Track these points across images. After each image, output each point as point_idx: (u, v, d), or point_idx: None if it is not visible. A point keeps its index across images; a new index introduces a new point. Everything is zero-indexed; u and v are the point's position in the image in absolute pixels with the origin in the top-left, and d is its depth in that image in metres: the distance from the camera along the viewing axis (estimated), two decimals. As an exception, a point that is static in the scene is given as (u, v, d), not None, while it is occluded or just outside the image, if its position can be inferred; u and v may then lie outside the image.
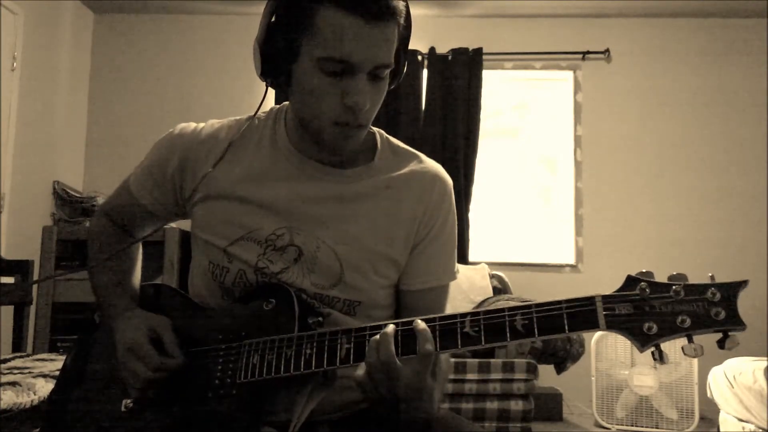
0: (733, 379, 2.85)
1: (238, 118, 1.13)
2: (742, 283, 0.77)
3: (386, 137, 1.14)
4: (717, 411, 3.09)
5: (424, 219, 1.08)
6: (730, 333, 0.76)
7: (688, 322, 0.77)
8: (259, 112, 1.12)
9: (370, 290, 1.06)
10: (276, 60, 0.97)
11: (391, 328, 0.86)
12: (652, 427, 3.42)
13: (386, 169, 1.09)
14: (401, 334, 0.87)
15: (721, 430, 3.03)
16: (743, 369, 2.82)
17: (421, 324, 0.86)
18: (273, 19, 0.96)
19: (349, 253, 1.04)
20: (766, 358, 2.81)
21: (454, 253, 1.13)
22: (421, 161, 1.12)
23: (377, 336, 0.86)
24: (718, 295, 0.77)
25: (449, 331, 0.86)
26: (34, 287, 2.92)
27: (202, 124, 1.12)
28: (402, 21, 0.96)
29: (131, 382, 1.01)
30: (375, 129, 1.12)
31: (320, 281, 1.04)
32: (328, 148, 1.02)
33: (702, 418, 3.41)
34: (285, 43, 0.95)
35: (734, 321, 0.76)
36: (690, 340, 0.78)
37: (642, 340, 0.78)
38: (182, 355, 1.00)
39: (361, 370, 0.88)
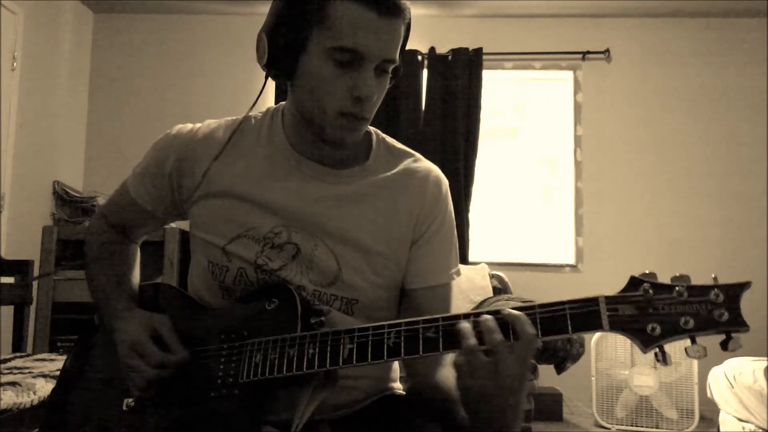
0: (733, 379, 2.85)
1: (234, 117, 1.13)
2: (745, 285, 0.77)
3: (382, 137, 1.14)
4: (717, 411, 3.09)
5: (420, 217, 1.08)
6: (733, 334, 0.76)
7: (692, 323, 0.77)
8: (255, 112, 1.12)
9: (368, 290, 1.06)
10: (283, 51, 0.97)
11: (489, 317, 0.83)
12: (652, 427, 3.42)
13: (381, 168, 1.09)
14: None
15: (721, 430, 3.03)
16: (743, 369, 2.82)
17: (514, 311, 0.83)
18: (283, 10, 0.97)
19: (346, 252, 1.04)
20: (766, 358, 2.82)
21: (452, 252, 1.12)
22: (416, 160, 1.13)
23: (464, 324, 0.83)
24: (722, 297, 0.77)
25: (450, 332, 0.85)
26: (34, 287, 2.92)
27: (198, 125, 1.13)
28: (407, 20, 0.98)
29: (134, 381, 1.01)
30: (371, 129, 1.12)
31: (318, 279, 1.04)
32: (330, 141, 1.01)
33: (702, 418, 3.42)
34: (294, 33, 0.95)
35: (737, 322, 0.76)
36: (693, 342, 0.78)
37: (645, 341, 0.78)
38: (183, 350, 1.00)
39: (459, 357, 0.83)
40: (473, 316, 0.85)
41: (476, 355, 0.81)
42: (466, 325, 0.83)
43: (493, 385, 0.81)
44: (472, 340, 0.82)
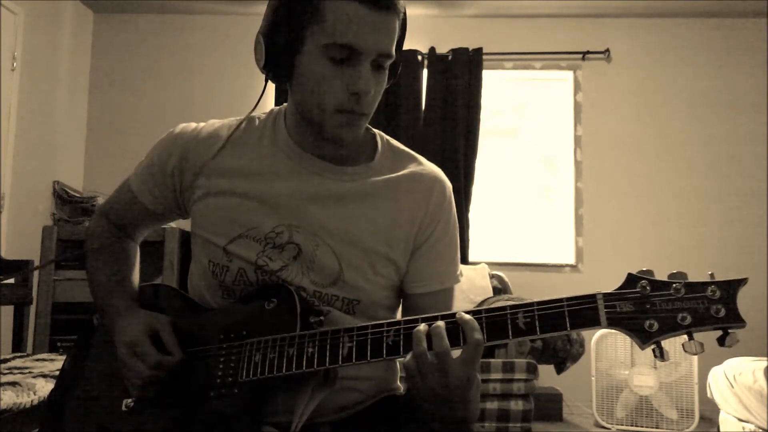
0: (733, 379, 2.85)
1: (238, 118, 1.13)
2: (742, 281, 0.77)
3: (387, 139, 1.14)
4: (717, 411, 3.09)
5: (424, 222, 1.08)
6: (730, 330, 0.77)
7: (689, 319, 0.77)
8: (258, 113, 1.13)
9: (369, 289, 1.06)
10: (280, 52, 0.98)
11: (441, 323, 0.86)
12: (652, 427, 3.42)
13: (386, 169, 1.09)
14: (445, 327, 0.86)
15: (721, 430, 3.03)
16: (743, 369, 2.82)
17: (465, 315, 0.86)
18: (279, 11, 0.97)
19: (348, 251, 1.04)
20: (766, 358, 2.82)
21: (456, 256, 1.13)
22: (420, 163, 1.13)
23: (420, 327, 0.86)
24: (718, 293, 0.77)
25: (452, 329, 0.85)
26: (34, 287, 2.92)
27: (202, 124, 1.13)
28: (401, 16, 0.98)
29: (131, 380, 1.01)
30: (377, 131, 1.13)
31: (319, 279, 1.04)
32: (330, 138, 1.01)
33: (702, 418, 3.41)
34: (290, 33, 0.96)
35: (734, 318, 0.76)
36: (690, 338, 0.78)
37: (643, 337, 0.78)
38: (181, 353, 1.00)
39: (409, 360, 0.87)
40: (431, 319, 0.88)
41: (425, 358, 0.84)
42: (419, 329, 0.86)
43: (440, 386, 0.85)
44: (423, 345, 0.84)
